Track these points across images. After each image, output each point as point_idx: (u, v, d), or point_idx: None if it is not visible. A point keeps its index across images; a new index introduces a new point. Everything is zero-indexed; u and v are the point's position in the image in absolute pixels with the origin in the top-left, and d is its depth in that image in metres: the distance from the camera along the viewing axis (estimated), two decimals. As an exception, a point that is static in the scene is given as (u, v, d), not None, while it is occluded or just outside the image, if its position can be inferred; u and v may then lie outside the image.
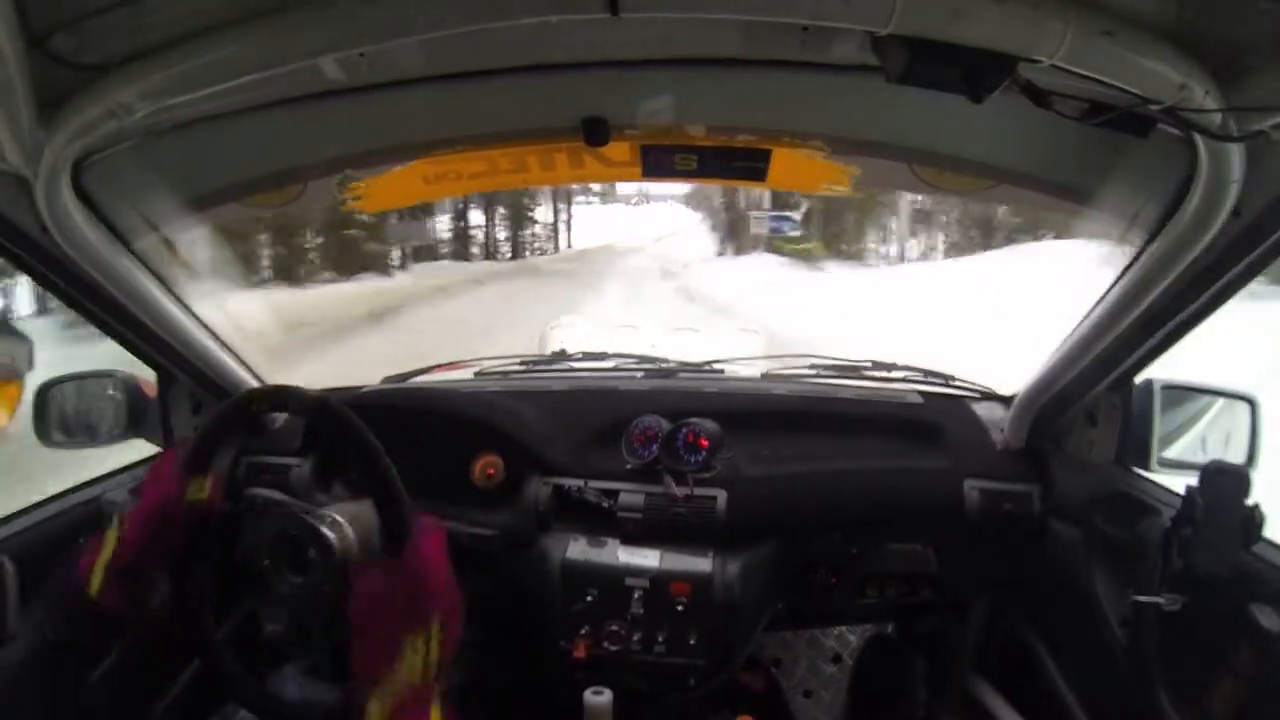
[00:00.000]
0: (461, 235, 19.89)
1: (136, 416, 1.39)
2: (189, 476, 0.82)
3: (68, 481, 1.25)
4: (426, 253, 17.26)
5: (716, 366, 1.67)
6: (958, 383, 1.55)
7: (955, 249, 16.06)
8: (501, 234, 22.10)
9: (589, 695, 1.17)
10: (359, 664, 0.71)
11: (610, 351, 1.74)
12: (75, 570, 0.78)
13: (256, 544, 0.82)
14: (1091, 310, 1.08)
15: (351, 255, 14.06)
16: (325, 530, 0.82)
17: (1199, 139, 0.77)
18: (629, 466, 1.34)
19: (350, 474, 1.40)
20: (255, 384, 1.44)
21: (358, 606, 0.72)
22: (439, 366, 1.75)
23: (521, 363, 1.72)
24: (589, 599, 1.24)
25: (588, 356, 1.74)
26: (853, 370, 1.63)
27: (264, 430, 1.48)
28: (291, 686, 1.21)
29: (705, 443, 1.32)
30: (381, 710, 0.69)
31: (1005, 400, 1.45)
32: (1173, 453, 1.20)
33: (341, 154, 1.13)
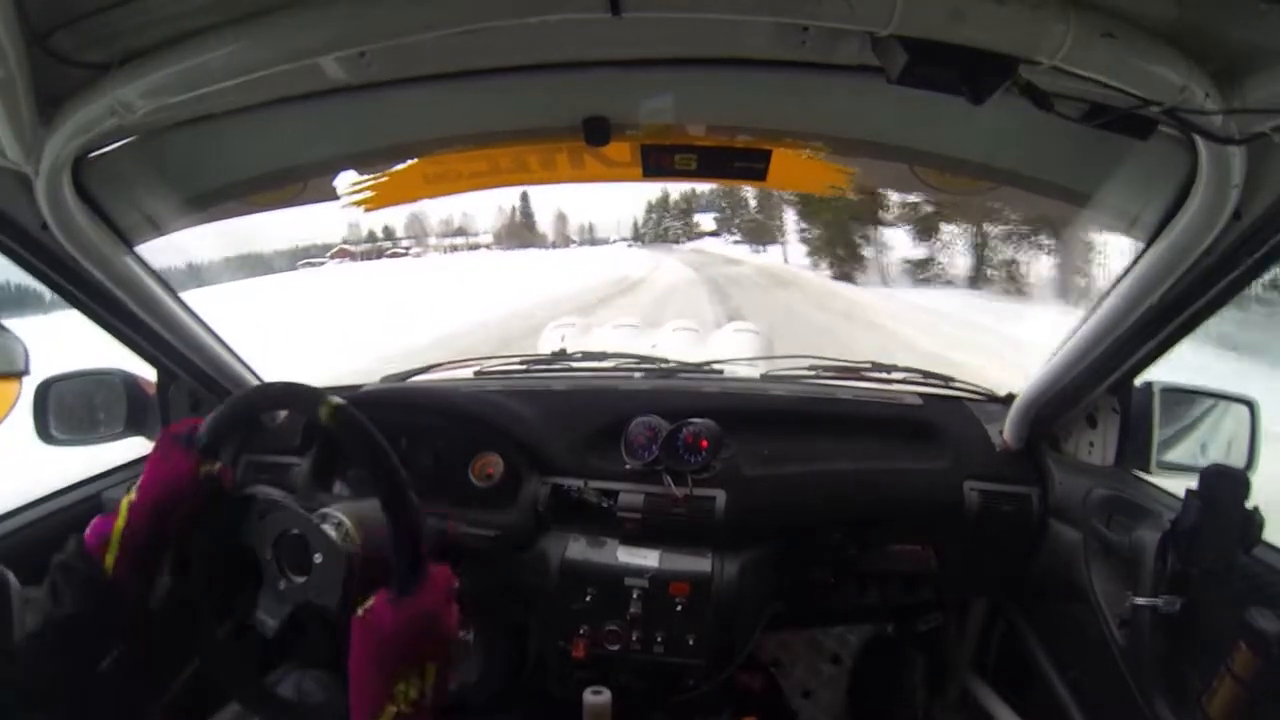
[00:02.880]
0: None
1: (136, 414, 1.39)
2: (203, 458, 0.80)
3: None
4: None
5: (716, 367, 1.67)
6: (957, 384, 1.55)
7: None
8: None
9: (588, 695, 1.17)
10: (354, 700, 0.70)
11: (610, 351, 1.74)
12: (84, 543, 0.75)
13: (259, 541, 0.82)
14: (1092, 312, 1.08)
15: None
16: (329, 530, 0.81)
17: (1200, 141, 0.77)
18: (628, 466, 1.34)
19: (350, 472, 1.40)
20: (255, 381, 1.44)
21: (359, 642, 0.71)
22: (438, 365, 1.75)
23: (521, 362, 1.72)
24: (588, 599, 1.24)
25: (587, 356, 1.74)
26: (852, 371, 1.63)
27: (263, 428, 1.48)
28: (289, 686, 1.21)
29: (705, 443, 1.32)
30: None
31: (1005, 402, 1.45)
32: (1173, 455, 1.20)
33: (342, 153, 1.13)
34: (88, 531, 0.76)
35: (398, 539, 0.73)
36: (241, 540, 0.83)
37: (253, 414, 0.84)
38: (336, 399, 0.76)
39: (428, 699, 0.71)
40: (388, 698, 0.69)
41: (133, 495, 0.78)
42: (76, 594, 0.73)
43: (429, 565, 0.74)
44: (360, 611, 0.72)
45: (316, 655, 1.29)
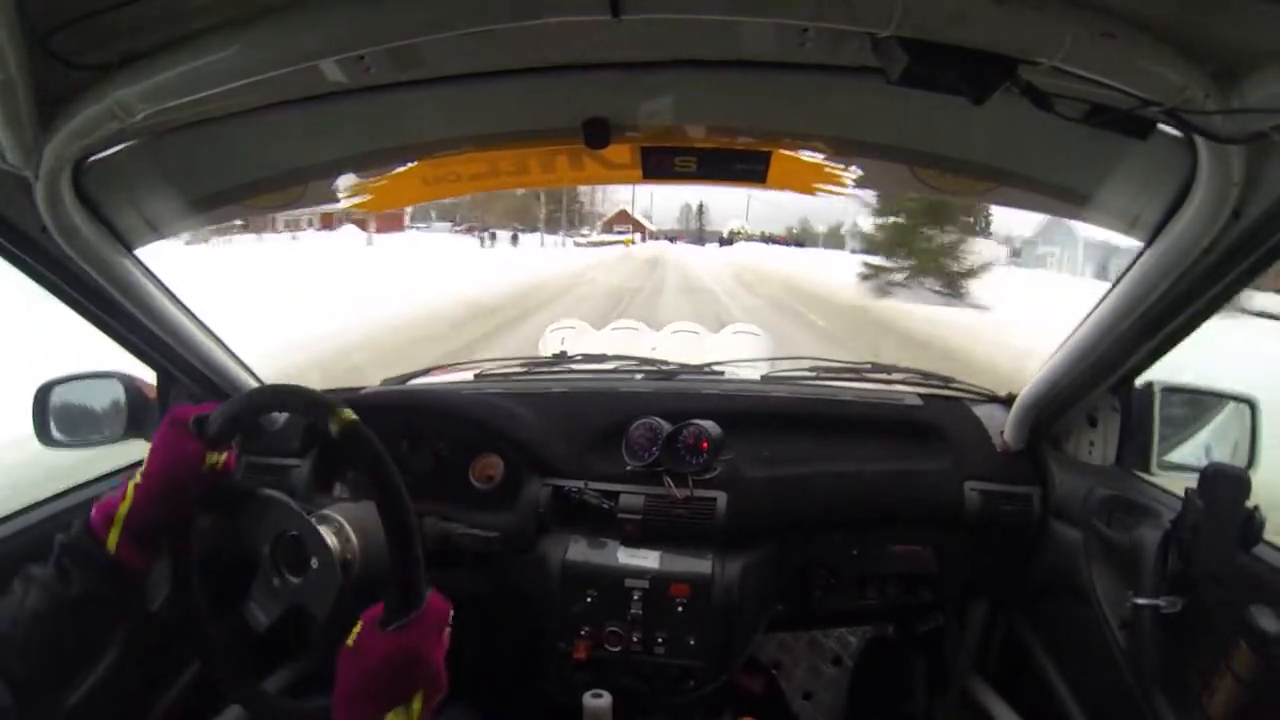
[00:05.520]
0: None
1: (136, 417, 1.38)
2: (210, 447, 0.78)
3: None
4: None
5: (716, 368, 1.67)
6: (957, 385, 1.55)
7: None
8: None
9: (588, 698, 1.17)
10: None
11: (610, 353, 1.75)
12: (89, 523, 0.74)
13: (258, 538, 0.82)
14: (1092, 312, 1.08)
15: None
16: (327, 536, 0.81)
17: (1199, 141, 0.77)
18: (629, 468, 1.34)
19: (350, 474, 1.40)
20: (255, 384, 1.44)
21: (345, 673, 0.69)
22: (438, 368, 1.75)
23: (521, 364, 1.72)
24: (589, 600, 1.24)
25: (587, 358, 1.74)
26: (853, 372, 1.63)
27: (263, 430, 1.48)
28: (287, 688, 1.21)
29: (706, 444, 1.31)
30: None
31: (1005, 402, 1.45)
32: (1173, 455, 1.21)
33: (342, 155, 1.12)
34: (93, 512, 0.75)
35: (395, 566, 0.72)
36: (241, 534, 0.83)
37: (261, 412, 0.82)
38: (349, 412, 0.74)
39: None
40: None
41: (138, 478, 0.77)
42: (83, 573, 0.71)
43: (426, 595, 0.72)
44: (350, 641, 0.70)
45: (313, 656, 1.29)
